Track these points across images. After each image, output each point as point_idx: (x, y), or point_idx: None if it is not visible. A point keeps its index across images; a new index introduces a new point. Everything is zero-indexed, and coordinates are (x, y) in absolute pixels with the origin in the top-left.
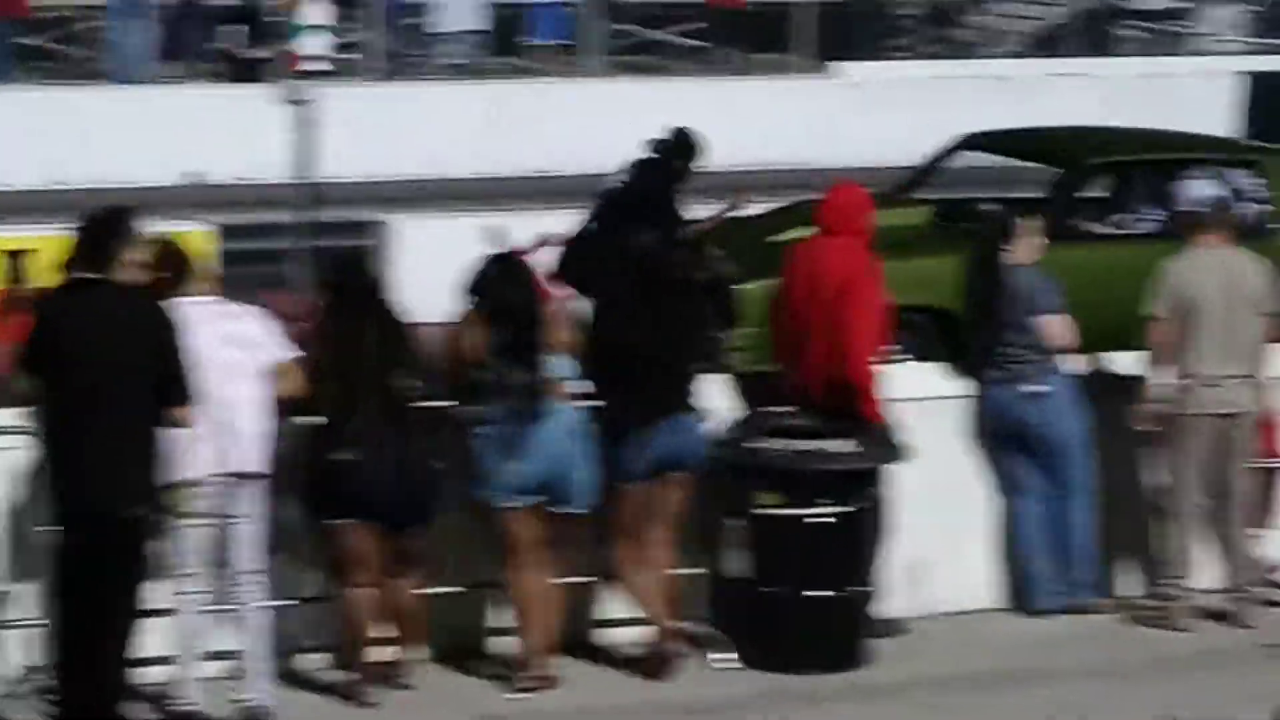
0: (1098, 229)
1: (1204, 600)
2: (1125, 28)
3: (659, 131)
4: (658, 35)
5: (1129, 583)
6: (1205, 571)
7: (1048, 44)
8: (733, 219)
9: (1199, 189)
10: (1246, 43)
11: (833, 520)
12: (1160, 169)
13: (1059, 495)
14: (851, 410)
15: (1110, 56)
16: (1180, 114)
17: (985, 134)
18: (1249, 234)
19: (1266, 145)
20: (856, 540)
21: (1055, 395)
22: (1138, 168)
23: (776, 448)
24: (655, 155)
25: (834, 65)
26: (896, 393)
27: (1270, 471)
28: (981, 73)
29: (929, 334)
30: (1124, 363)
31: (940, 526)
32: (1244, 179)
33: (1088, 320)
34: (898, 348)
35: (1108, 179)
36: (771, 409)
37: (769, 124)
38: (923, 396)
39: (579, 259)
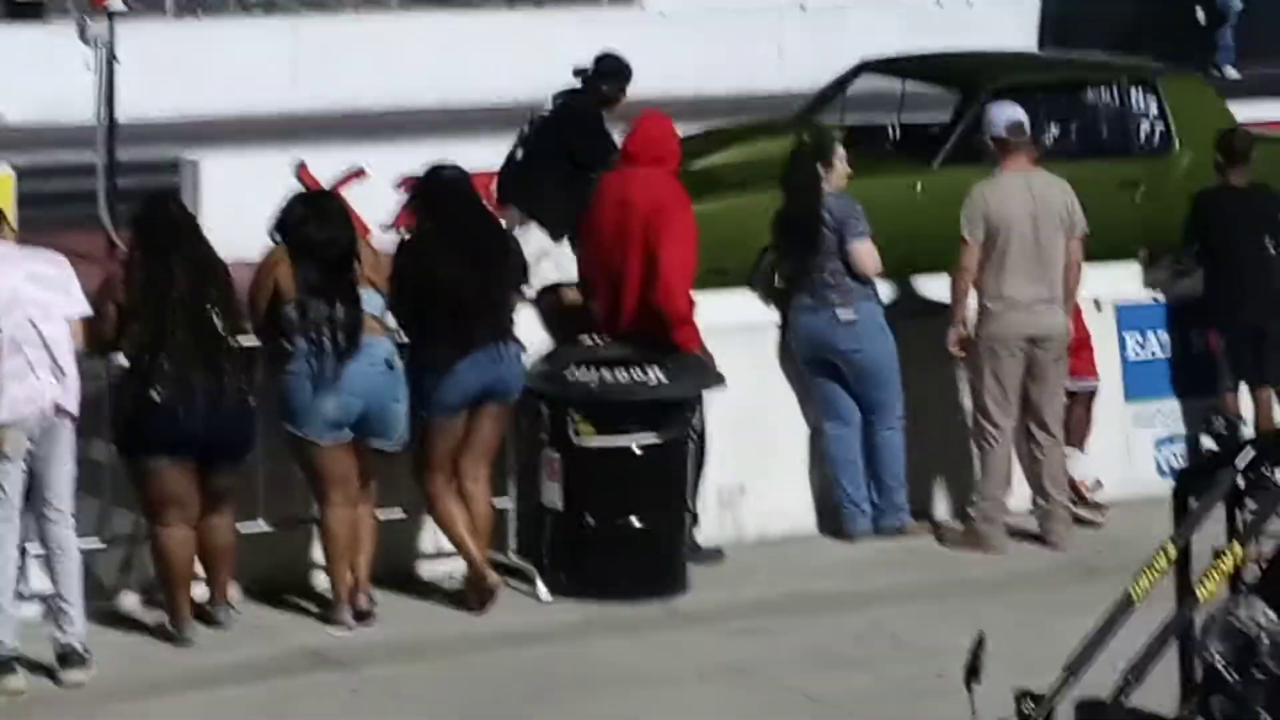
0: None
1: (1016, 521)
2: None
3: (580, 59)
4: None
5: (942, 505)
6: (1016, 493)
7: None
8: None
9: (1003, 111)
10: None
11: (647, 449)
12: (1059, 91)
13: (870, 420)
14: (665, 339)
15: None
16: (983, 34)
17: (885, 60)
18: (1147, 153)
19: (1160, 66)
20: (671, 468)
21: (865, 321)
22: (1037, 91)
23: (590, 377)
24: (582, 80)
25: None
26: (708, 320)
27: (1080, 393)
28: (784, 2)
29: None
30: (935, 287)
31: (754, 453)
32: (1141, 98)
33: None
34: None
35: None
36: (585, 338)
37: (576, 55)
38: (734, 323)
39: (513, 182)
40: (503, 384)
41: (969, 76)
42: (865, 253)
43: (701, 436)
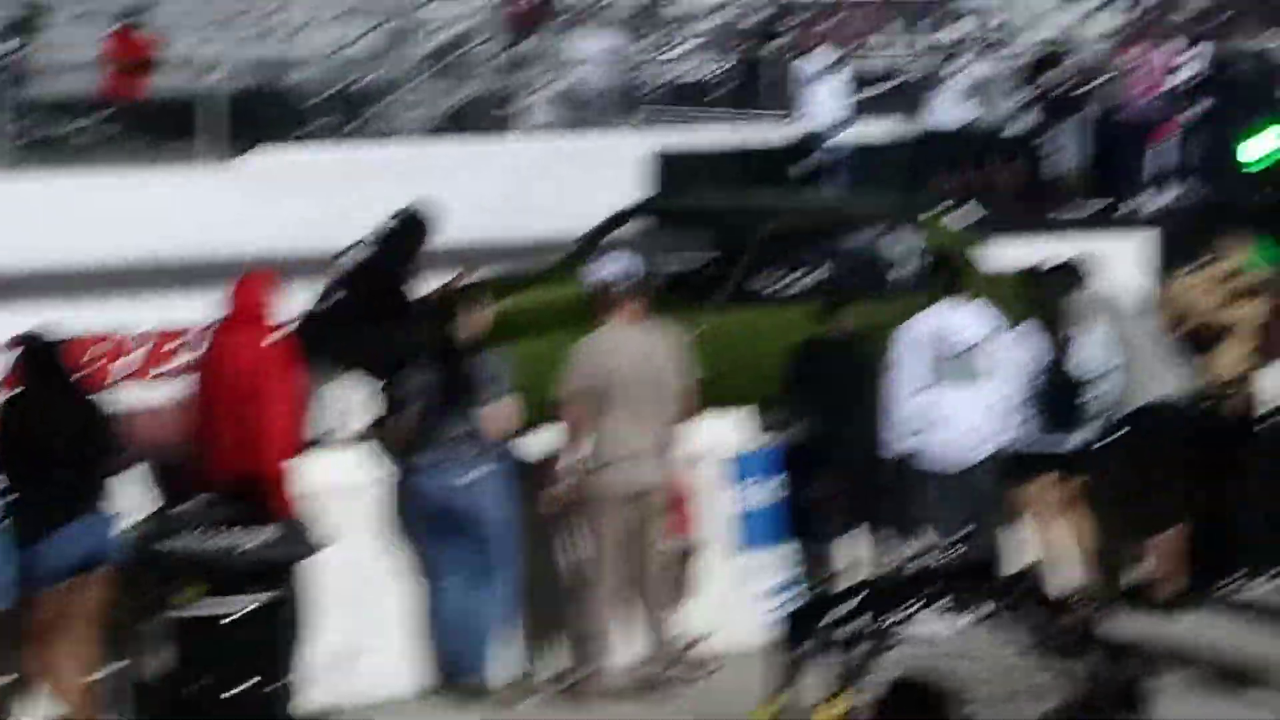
0: (763, 292)
1: (623, 677)
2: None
3: (386, 211)
4: (66, 128)
5: (551, 662)
6: (623, 648)
7: (457, 122)
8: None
9: (610, 264)
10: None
11: (249, 613)
12: (824, 232)
13: (483, 580)
14: (266, 501)
15: (517, 134)
16: (591, 189)
17: (644, 204)
18: (909, 290)
19: (922, 206)
20: (274, 632)
21: (488, 481)
22: (802, 232)
23: (189, 542)
24: (384, 234)
25: (246, 155)
26: (310, 481)
27: (687, 546)
28: (390, 155)
29: None
30: (546, 442)
31: (360, 615)
32: (905, 238)
33: (747, 379)
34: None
35: (772, 244)
36: (186, 501)
37: (173, 215)
38: (336, 484)
39: (318, 336)
40: (102, 550)
41: (739, 219)
42: (501, 412)
43: (303, 600)
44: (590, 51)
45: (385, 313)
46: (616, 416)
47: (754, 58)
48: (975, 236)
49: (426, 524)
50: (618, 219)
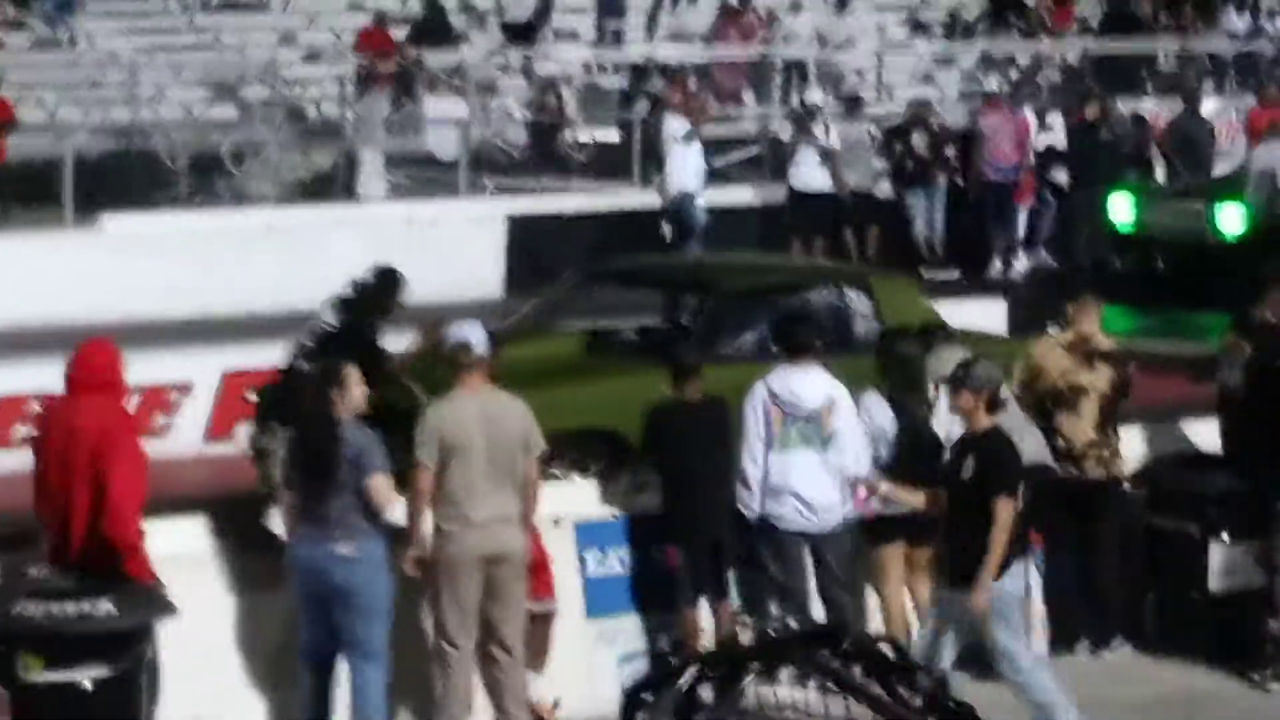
0: (725, 352)
1: None
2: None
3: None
4: None
5: None
6: (478, 714)
7: (315, 189)
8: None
9: (462, 331)
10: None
11: (98, 683)
12: (782, 292)
13: (352, 655)
14: (115, 568)
15: (377, 202)
16: (450, 256)
17: (610, 266)
18: (860, 350)
19: (873, 270)
20: (124, 702)
21: (365, 557)
22: (766, 292)
23: (36, 610)
24: (355, 293)
25: (102, 219)
26: (160, 549)
27: (540, 613)
28: (248, 221)
29: (599, 454)
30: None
31: (212, 684)
32: (857, 299)
33: None
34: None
35: (736, 304)
36: (31, 570)
37: (34, 280)
38: (187, 551)
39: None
40: None
41: (704, 278)
42: (380, 487)
43: (154, 668)
44: (445, 117)
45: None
46: (468, 481)
47: (617, 121)
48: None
49: (303, 595)
50: (585, 278)
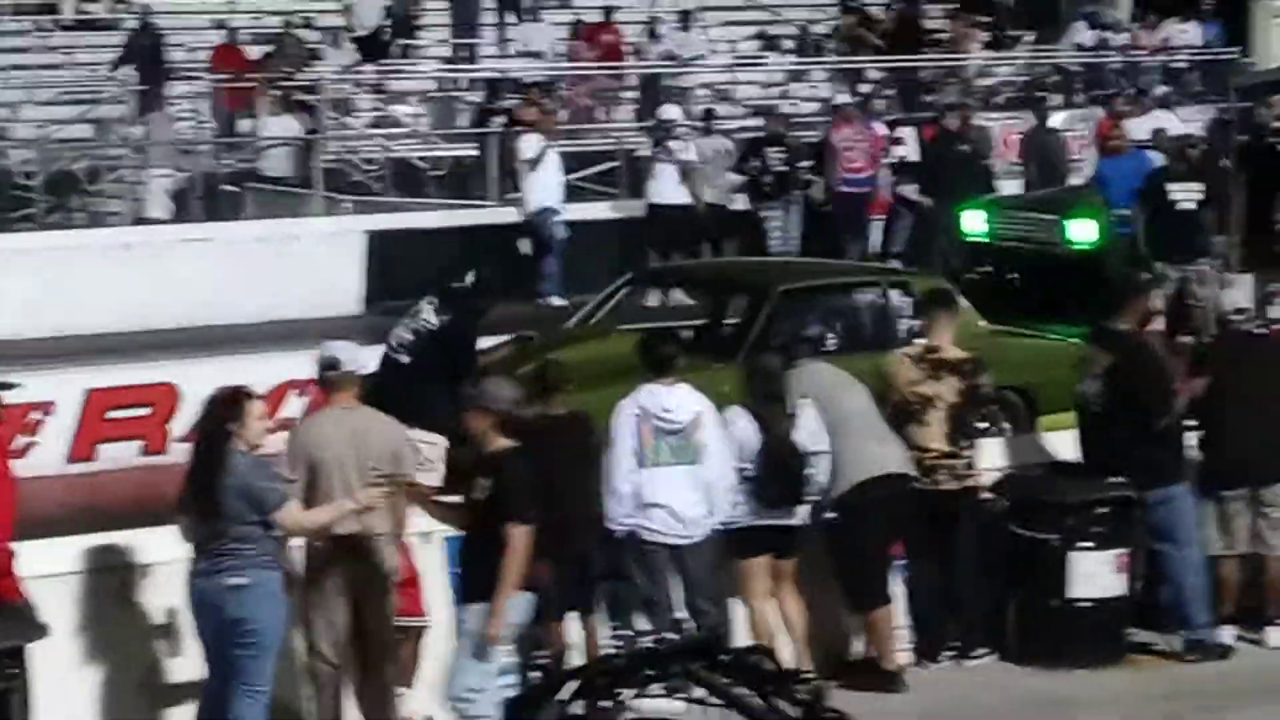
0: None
1: None
2: (250, 190)
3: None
4: None
5: None
6: None
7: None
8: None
9: (333, 350)
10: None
11: None
12: (829, 293)
13: (234, 684)
14: None
15: (235, 220)
16: (308, 274)
17: (654, 270)
18: (901, 346)
19: (911, 270)
20: None
21: (258, 587)
22: (813, 293)
23: None
24: (455, 294)
25: None
26: (32, 569)
27: (410, 629)
28: (107, 241)
29: None
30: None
31: (87, 703)
32: (898, 299)
33: None
34: None
35: (784, 304)
36: None
37: None
38: (59, 572)
39: (397, 389)
40: None
41: (757, 279)
42: (287, 519)
43: (26, 689)
44: (290, 134)
45: (456, 373)
46: (334, 498)
47: (472, 137)
48: None
49: (198, 631)
50: (626, 283)
